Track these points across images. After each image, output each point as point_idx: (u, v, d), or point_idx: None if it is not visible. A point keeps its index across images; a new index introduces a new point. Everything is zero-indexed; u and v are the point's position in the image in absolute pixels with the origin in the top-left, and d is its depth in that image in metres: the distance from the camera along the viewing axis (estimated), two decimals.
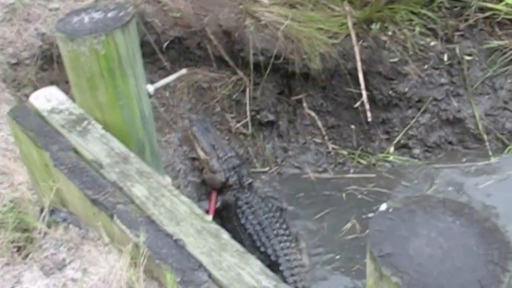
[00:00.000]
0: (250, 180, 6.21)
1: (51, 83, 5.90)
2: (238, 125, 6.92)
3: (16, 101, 5.82)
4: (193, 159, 6.56)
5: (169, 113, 6.68)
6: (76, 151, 3.32)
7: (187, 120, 6.41)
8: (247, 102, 6.89)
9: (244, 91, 6.88)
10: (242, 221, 5.90)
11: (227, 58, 6.81)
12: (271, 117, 6.98)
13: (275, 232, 5.71)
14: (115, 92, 3.48)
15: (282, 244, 5.63)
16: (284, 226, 5.85)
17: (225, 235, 2.81)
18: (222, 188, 6.19)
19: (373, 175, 6.87)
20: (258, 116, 6.98)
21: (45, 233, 3.50)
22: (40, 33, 6.07)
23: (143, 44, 6.48)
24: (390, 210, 2.10)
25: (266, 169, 6.94)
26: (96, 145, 3.33)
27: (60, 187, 3.34)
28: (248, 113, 6.92)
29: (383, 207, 2.12)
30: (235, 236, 5.82)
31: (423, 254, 1.98)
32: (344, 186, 6.75)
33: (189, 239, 2.78)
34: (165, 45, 6.64)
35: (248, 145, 6.96)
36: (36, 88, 5.89)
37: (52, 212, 3.54)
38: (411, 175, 6.85)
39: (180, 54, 6.84)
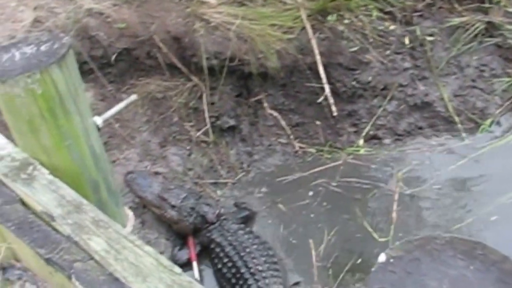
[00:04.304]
0: (216, 212, 5.84)
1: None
2: (199, 133, 6.63)
3: None
4: (156, 173, 6.21)
5: (124, 128, 6.38)
6: (23, 203, 2.98)
7: (125, 177, 5.96)
8: (205, 108, 6.61)
9: (201, 97, 6.61)
10: (219, 266, 5.56)
11: (179, 65, 6.53)
12: (232, 121, 6.72)
13: (257, 268, 5.37)
14: (59, 133, 3.12)
15: (267, 280, 5.29)
16: (265, 254, 5.50)
17: (199, 287, 2.50)
18: (195, 232, 5.88)
19: (341, 163, 6.65)
20: (218, 122, 6.71)
21: None
22: None
23: (93, 58, 6.21)
24: (391, 260, 1.78)
25: (231, 180, 6.63)
26: (44, 194, 2.97)
27: (10, 245, 3.00)
28: (207, 120, 6.65)
29: (382, 258, 1.80)
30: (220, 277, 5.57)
31: None
32: (313, 181, 6.52)
33: None
34: (113, 58, 6.31)
35: (211, 153, 6.66)
36: None
37: (4, 270, 3.21)
38: (381, 162, 6.65)
39: (130, 66, 6.57)
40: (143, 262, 2.59)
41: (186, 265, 5.75)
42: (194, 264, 5.70)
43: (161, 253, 5.82)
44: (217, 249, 5.62)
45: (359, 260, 5.66)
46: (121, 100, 6.27)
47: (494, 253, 1.78)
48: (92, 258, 2.67)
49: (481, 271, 1.74)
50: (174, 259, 5.78)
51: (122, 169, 6.09)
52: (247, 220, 6.10)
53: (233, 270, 5.41)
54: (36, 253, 2.74)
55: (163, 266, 2.57)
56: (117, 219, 3.82)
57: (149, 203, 5.85)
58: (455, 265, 1.76)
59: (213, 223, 5.79)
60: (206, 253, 5.83)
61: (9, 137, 3.39)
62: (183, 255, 5.76)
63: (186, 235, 5.93)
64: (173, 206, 5.75)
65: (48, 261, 2.69)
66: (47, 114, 3.02)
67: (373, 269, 1.80)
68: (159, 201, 5.79)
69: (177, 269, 2.55)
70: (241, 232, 5.67)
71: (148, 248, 2.65)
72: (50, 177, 3.08)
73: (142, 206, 6.10)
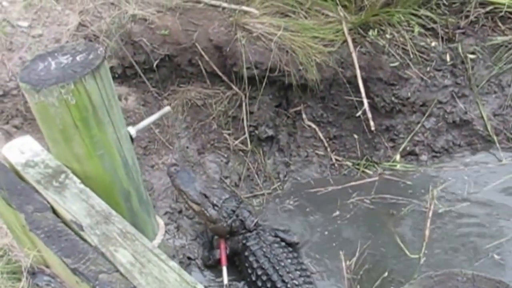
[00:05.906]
0: (254, 220, 5.82)
1: None
2: (237, 142, 6.67)
3: (4, 135, 5.60)
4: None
5: (164, 133, 6.44)
6: (54, 211, 3.03)
7: (169, 169, 5.97)
8: (244, 117, 6.65)
9: (240, 106, 6.64)
10: (253, 278, 5.53)
11: (220, 73, 6.57)
12: (270, 132, 6.75)
13: (294, 282, 5.32)
14: (92, 143, 3.16)
15: None
16: (299, 268, 5.49)
17: None
18: (229, 235, 5.86)
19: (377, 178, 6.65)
20: (256, 132, 6.75)
21: None
22: (25, 61, 5.79)
23: (137, 62, 6.27)
24: None
25: (267, 189, 6.65)
26: (74, 202, 3.03)
27: (40, 253, 3.07)
28: (246, 129, 6.67)
29: None
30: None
31: None
32: (348, 195, 6.53)
33: None
34: (155, 63, 6.37)
35: (249, 161, 6.69)
36: (25, 119, 5.68)
37: (34, 275, 3.27)
38: (416, 178, 6.62)
39: (172, 72, 6.62)
40: (167, 278, 2.62)
41: (213, 267, 5.86)
42: (224, 269, 5.70)
43: (195, 259, 5.88)
44: (251, 258, 5.59)
45: (389, 275, 5.65)
46: (162, 105, 6.36)
47: None
48: (117, 270, 2.71)
49: None
50: (204, 260, 5.83)
51: (160, 174, 6.15)
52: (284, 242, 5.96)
53: (269, 284, 5.39)
54: (63, 263, 2.79)
55: (186, 282, 2.60)
56: (148, 228, 3.87)
57: (190, 199, 5.80)
58: None
59: (249, 231, 5.79)
60: (239, 259, 5.84)
61: (43, 144, 3.46)
62: (215, 255, 5.78)
63: (219, 237, 5.91)
64: (214, 205, 5.72)
65: (74, 271, 2.73)
66: (80, 124, 3.06)
67: None
68: (201, 198, 5.75)
69: (200, 286, 2.58)
70: (276, 245, 5.65)
71: (172, 263, 2.69)
72: (81, 186, 3.13)
73: (178, 212, 6.14)
